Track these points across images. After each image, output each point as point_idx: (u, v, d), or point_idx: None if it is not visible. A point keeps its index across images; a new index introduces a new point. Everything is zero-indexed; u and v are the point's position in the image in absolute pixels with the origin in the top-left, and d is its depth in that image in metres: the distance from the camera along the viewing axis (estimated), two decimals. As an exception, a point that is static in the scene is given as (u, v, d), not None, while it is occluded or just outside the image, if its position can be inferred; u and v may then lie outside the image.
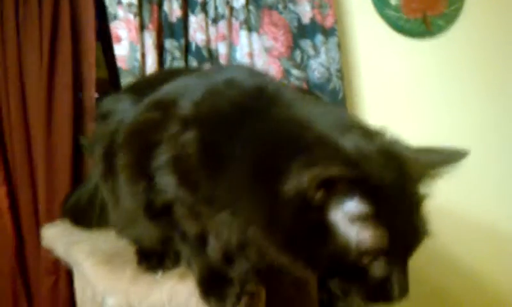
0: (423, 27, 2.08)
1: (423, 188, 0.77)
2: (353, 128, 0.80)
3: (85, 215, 1.37)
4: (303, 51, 1.93)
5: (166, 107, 0.93)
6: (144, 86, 1.15)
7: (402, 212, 0.73)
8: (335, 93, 1.92)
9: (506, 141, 2.18)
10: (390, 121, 2.10)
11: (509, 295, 2.22)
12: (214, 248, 0.94)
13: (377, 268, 0.73)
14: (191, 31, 1.87)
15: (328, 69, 1.92)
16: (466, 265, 2.19)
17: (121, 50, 1.77)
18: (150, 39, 1.79)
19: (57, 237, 1.39)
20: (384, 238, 0.70)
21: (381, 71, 2.09)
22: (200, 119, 0.88)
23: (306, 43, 1.93)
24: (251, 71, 1.06)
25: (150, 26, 1.79)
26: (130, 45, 1.76)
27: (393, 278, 0.74)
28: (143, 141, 0.95)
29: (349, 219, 0.70)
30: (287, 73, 1.91)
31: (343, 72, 1.96)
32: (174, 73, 1.13)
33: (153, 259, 1.05)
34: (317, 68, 1.93)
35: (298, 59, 1.93)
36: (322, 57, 1.92)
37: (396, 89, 2.11)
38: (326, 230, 0.71)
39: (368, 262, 0.72)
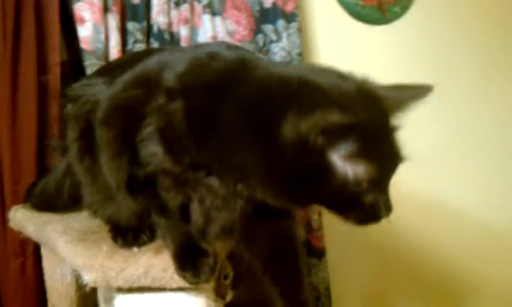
0: (378, 14, 2.14)
1: (395, 121, 0.86)
2: (330, 73, 0.88)
3: (52, 202, 1.40)
4: (265, 35, 1.98)
5: (148, 82, 0.97)
6: (114, 68, 1.17)
7: (383, 144, 0.82)
8: (296, 76, 1.97)
9: (457, 127, 2.28)
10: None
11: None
12: (196, 213, 0.98)
13: (369, 196, 0.82)
14: (153, 14, 1.88)
15: (289, 53, 1.97)
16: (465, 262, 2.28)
17: (84, 32, 1.76)
18: (113, 21, 1.79)
19: (27, 218, 1.40)
20: (374, 169, 0.79)
21: (340, 56, 2.10)
22: (185, 89, 0.91)
23: (268, 28, 1.97)
24: (229, 45, 1.09)
25: (114, 8, 1.79)
26: (94, 27, 1.76)
27: (380, 201, 0.83)
28: (126, 116, 0.98)
29: (344, 158, 0.78)
30: (249, 56, 1.94)
31: (304, 56, 2.01)
32: (145, 54, 1.16)
33: (129, 235, 1.08)
34: (279, 52, 1.97)
35: (260, 42, 1.97)
36: (284, 42, 1.96)
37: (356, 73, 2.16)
38: (325, 170, 0.78)
39: (361, 191, 0.81)
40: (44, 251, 1.48)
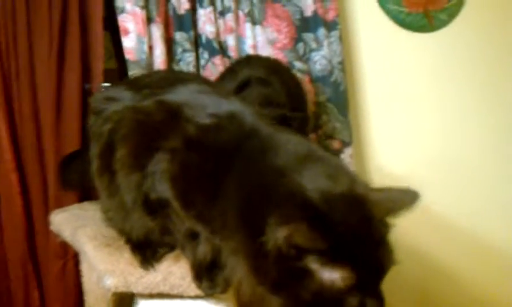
0: (424, 21, 2.09)
1: (384, 224, 0.86)
2: (320, 169, 0.89)
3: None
4: (305, 44, 1.97)
5: (171, 113, 1.01)
6: (142, 86, 1.19)
7: (367, 249, 0.82)
8: (336, 85, 1.96)
9: (506, 138, 2.20)
10: (390, 113, 2.14)
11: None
12: (203, 250, 1.01)
13: (352, 300, 0.81)
14: (200, 24, 1.91)
15: (330, 61, 1.96)
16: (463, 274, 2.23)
17: (128, 42, 1.81)
18: (157, 31, 1.84)
19: (65, 222, 1.45)
20: (353, 276, 0.79)
21: (383, 65, 2.11)
22: (201, 145, 0.96)
23: (308, 36, 1.97)
24: (250, 108, 1.08)
25: (158, 19, 1.84)
26: (138, 38, 1.81)
27: (367, 305, 0.82)
28: (141, 137, 1.02)
29: (319, 265, 0.79)
30: (290, 65, 1.95)
31: (345, 65, 1.99)
32: (175, 80, 1.19)
33: (147, 251, 1.10)
34: (319, 60, 1.96)
35: (301, 51, 1.97)
36: (325, 50, 1.95)
37: (397, 82, 2.13)
38: (303, 275, 0.80)
39: (343, 297, 0.81)
40: (82, 255, 1.53)
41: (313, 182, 0.85)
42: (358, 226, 0.82)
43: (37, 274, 1.80)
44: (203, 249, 1.00)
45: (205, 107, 1.02)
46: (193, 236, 1.01)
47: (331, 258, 0.79)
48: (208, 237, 0.97)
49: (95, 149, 1.16)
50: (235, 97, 1.12)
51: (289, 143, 0.95)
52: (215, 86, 1.33)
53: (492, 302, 2.24)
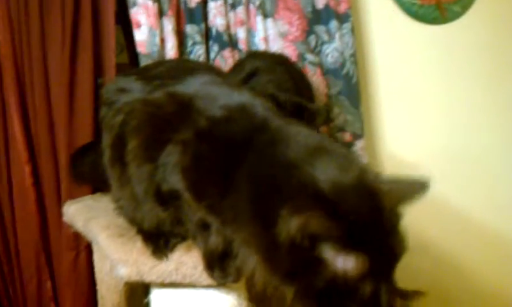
0: (437, 13, 2.08)
1: (395, 213, 0.87)
2: (331, 160, 0.89)
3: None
4: (317, 36, 1.96)
5: (182, 105, 1.02)
6: (152, 77, 1.19)
7: (379, 237, 0.82)
8: (348, 77, 1.96)
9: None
10: (402, 106, 2.14)
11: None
12: (215, 240, 1.00)
13: (365, 287, 0.82)
14: (211, 16, 1.91)
15: (342, 54, 1.95)
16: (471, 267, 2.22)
17: (140, 35, 1.82)
18: (169, 25, 1.84)
19: (78, 213, 1.46)
20: (366, 263, 0.80)
21: (395, 57, 2.11)
22: (213, 138, 0.96)
23: (320, 29, 1.96)
24: (260, 99, 1.08)
25: (169, 12, 1.84)
26: (150, 31, 1.81)
27: (381, 292, 0.83)
28: (153, 125, 1.02)
29: (333, 253, 0.80)
30: (301, 57, 1.95)
31: (357, 57, 1.98)
32: (185, 71, 1.19)
33: (160, 241, 1.10)
34: (331, 53, 1.96)
35: (313, 43, 1.96)
36: (336, 43, 1.95)
37: (409, 74, 2.12)
38: (317, 264, 0.81)
39: (356, 284, 0.82)
40: (94, 245, 1.54)
41: (324, 173, 0.85)
42: (370, 215, 0.82)
43: (50, 265, 1.82)
44: (215, 240, 0.99)
45: (216, 98, 1.02)
46: (205, 226, 1.01)
47: (345, 246, 0.80)
48: (219, 228, 0.97)
49: (106, 140, 1.16)
50: (245, 88, 1.12)
51: (299, 135, 0.95)
52: (225, 76, 1.34)
53: (498, 293, 2.24)
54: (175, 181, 0.98)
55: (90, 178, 1.61)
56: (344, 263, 0.80)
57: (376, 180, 0.89)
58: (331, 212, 0.79)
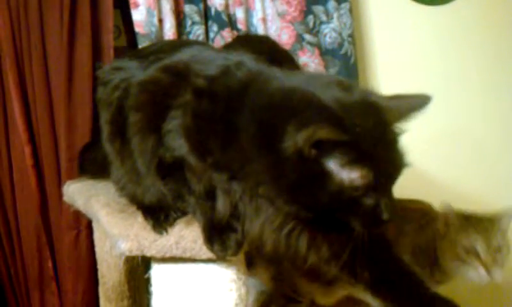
0: (435, -6, 2.08)
1: (397, 129, 0.90)
2: (334, 85, 0.92)
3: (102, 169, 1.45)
4: (315, 16, 1.97)
5: (178, 73, 1.02)
6: (147, 54, 1.20)
7: (382, 151, 0.86)
8: (346, 57, 1.96)
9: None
10: (400, 86, 2.12)
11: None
12: (223, 204, 1.01)
13: (368, 199, 0.86)
14: (210, -3, 1.91)
15: (340, 34, 1.96)
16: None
17: (138, 15, 1.82)
18: (167, 4, 1.84)
19: (78, 192, 1.47)
20: (370, 175, 0.84)
21: (393, 37, 2.11)
22: (212, 93, 0.97)
23: (318, 9, 1.96)
24: (252, 57, 1.09)
25: (168, -8, 1.84)
26: (147, 11, 1.81)
27: (382, 205, 0.87)
28: (154, 101, 1.03)
29: (339, 166, 0.83)
30: (299, 38, 1.95)
31: (355, 37, 1.99)
32: (178, 45, 1.23)
33: (160, 216, 1.11)
34: (329, 33, 1.96)
35: (311, 24, 1.97)
36: (335, 23, 1.95)
37: (407, 54, 2.13)
38: (323, 177, 0.84)
39: (360, 196, 0.85)
40: (95, 224, 1.55)
41: (327, 94, 0.88)
42: (374, 130, 0.85)
43: (50, 245, 1.84)
44: (222, 203, 1.00)
45: (212, 61, 1.03)
46: (208, 195, 1.01)
47: (351, 158, 0.82)
48: (226, 189, 0.98)
49: (104, 117, 1.17)
50: (241, 51, 1.13)
51: (295, 72, 0.99)
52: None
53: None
54: (178, 145, 0.98)
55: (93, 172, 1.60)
56: (349, 175, 0.83)
57: (378, 97, 0.92)
58: (337, 124, 0.81)
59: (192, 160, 0.97)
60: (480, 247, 1.25)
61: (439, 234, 1.34)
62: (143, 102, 1.05)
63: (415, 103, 0.93)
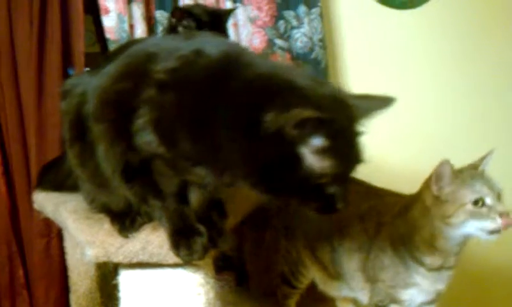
0: (404, -2, 2.11)
1: (360, 127, 0.94)
2: (307, 76, 0.96)
3: (65, 183, 1.44)
4: (286, 21, 1.98)
5: (136, 74, 1.01)
6: (101, 61, 1.22)
7: (348, 145, 0.91)
8: (317, 62, 1.98)
9: (487, 110, 2.23)
10: (371, 90, 2.14)
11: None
12: (195, 197, 1.05)
13: (330, 188, 0.91)
14: (181, 2, 1.92)
15: (310, 39, 1.97)
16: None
17: (109, 22, 1.83)
18: (138, 10, 1.85)
19: (47, 199, 1.46)
20: (338, 165, 0.88)
21: (363, 41, 2.13)
22: (175, 84, 0.96)
23: (289, 14, 1.98)
24: (212, 39, 1.11)
25: (138, -2, 1.84)
26: (118, 16, 1.82)
27: (338, 194, 0.92)
28: (117, 108, 1.02)
29: (313, 152, 0.87)
30: (271, 42, 1.96)
31: (325, 42, 2.01)
32: (129, 43, 1.22)
33: (126, 221, 1.11)
34: (300, 38, 1.98)
35: (282, 29, 1.98)
36: (305, 27, 1.97)
37: (378, 58, 2.15)
38: (295, 161, 0.87)
39: (324, 184, 0.90)
40: (65, 232, 1.54)
41: (303, 82, 0.91)
42: (344, 124, 0.89)
43: (21, 253, 1.83)
44: (195, 197, 1.03)
45: (170, 52, 1.02)
46: (179, 194, 1.04)
47: (327, 145, 0.86)
48: (201, 175, 0.98)
49: (65, 126, 1.18)
50: (195, 35, 1.14)
51: (266, 60, 0.99)
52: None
53: (496, 270, 2.30)
54: (148, 141, 0.97)
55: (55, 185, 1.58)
56: (321, 163, 0.87)
57: (346, 94, 0.96)
58: (319, 110, 0.84)
59: (162, 151, 0.97)
60: (487, 194, 1.23)
61: (425, 210, 1.31)
62: (106, 112, 1.04)
63: (380, 104, 0.97)
